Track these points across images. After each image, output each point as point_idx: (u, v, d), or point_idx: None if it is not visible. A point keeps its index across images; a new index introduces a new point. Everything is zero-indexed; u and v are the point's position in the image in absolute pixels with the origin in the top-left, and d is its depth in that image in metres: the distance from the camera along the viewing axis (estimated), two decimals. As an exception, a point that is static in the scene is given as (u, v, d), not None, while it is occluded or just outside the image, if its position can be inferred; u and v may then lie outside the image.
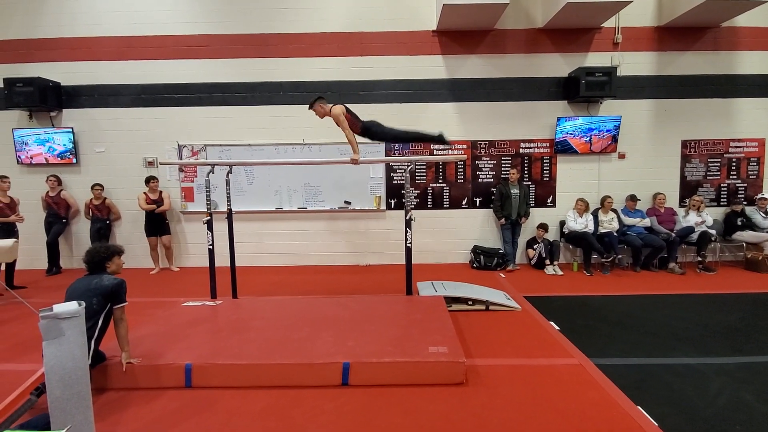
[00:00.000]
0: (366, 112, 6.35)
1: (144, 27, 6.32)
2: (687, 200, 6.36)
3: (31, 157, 6.46)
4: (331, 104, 4.07)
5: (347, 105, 4.10)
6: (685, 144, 6.53)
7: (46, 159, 6.46)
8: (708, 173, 6.58)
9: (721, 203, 6.61)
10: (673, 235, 5.98)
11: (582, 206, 6.15)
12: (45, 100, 6.14)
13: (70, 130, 6.41)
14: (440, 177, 6.61)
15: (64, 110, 6.49)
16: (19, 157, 6.45)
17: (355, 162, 4.05)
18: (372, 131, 4.11)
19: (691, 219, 6.08)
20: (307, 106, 4.09)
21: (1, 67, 6.32)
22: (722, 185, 6.60)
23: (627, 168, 6.54)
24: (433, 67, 6.39)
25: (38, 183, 6.37)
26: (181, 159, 6.48)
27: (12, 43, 6.38)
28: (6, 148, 6.45)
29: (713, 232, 6.03)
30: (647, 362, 3.17)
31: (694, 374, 2.96)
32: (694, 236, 5.97)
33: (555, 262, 6.07)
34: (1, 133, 6.44)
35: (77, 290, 2.66)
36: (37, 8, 6.33)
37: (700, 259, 5.95)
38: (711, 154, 6.55)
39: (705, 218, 6.07)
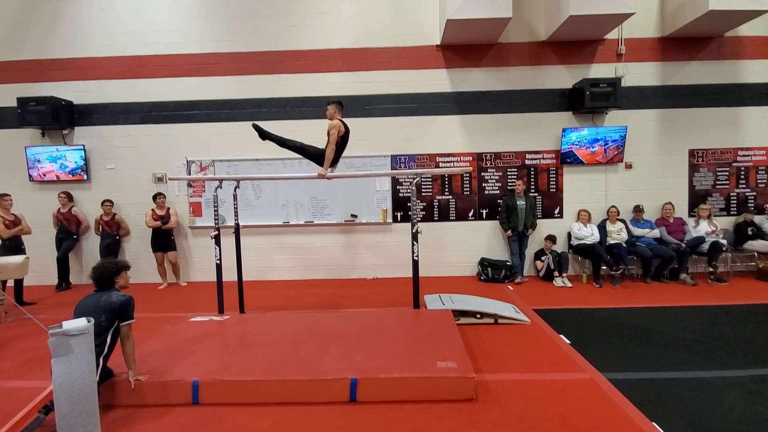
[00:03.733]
0: (372, 125, 6.51)
1: (155, 46, 6.48)
2: (696, 210, 6.30)
3: (43, 175, 6.58)
4: (340, 117, 4.12)
5: (349, 128, 4.17)
6: (692, 153, 6.49)
7: (57, 176, 6.57)
8: (717, 182, 6.53)
9: (731, 212, 6.53)
10: (684, 245, 5.91)
11: (585, 216, 6.13)
12: (57, 119, 6.28)
13: (82, 147, 6.53)
14: (446, 189, 6.61)
15: (76, 128, 6.63)
16: (31, 174, 6.58)
17: (321, 176, 4.11)
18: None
19: (702, 229, 6.01)
20: (326, 102, 4.22)
21: (15, 86, 6.49)
22: (731, 194, 6.53)
23: (634, 178, 6.50)
24: (437, 80, 6.46)
25: (50, 200, 6.48)
26: (189, 174, 6.57)
27: (26, 63, 6.56)
28: (19, 166, 6.58)
29: (724, 241, 5.95)
30: (660, 376, 3.11)
31: (709, 388, 2.90)
32: (705, 246, 5.90)
33: (564, 274, 6.01)
34: (14, 151, 6.58)
35: (86, 307, 2.68)
36: (51, 29, 6.52)
37: (711, 269, 5.86)
38: (719, 163, 6.50)
39: (716, 228, 5.98)
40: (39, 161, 6.56)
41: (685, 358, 3.41)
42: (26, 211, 5.89)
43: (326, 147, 4.03)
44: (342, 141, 4.11)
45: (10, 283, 5.34)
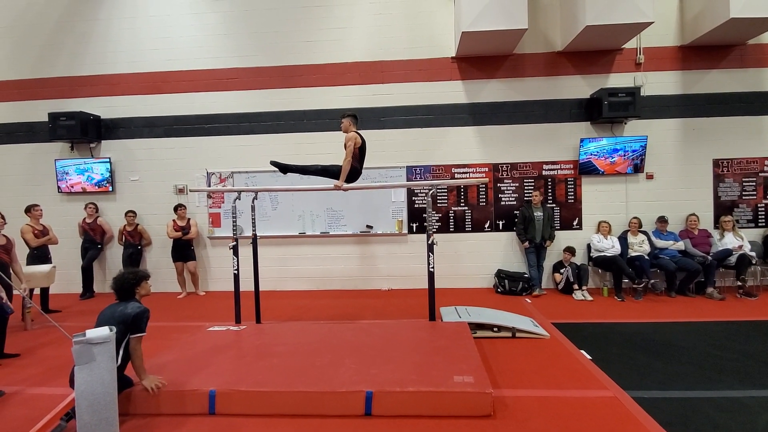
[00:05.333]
0: (387, 137, 6.55)
1: (178, 63, 6.71)
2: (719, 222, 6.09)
3: (71, 186, 6.83)
4: (355, 129, 4.17)
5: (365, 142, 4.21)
6: (716, 163, 6.31)
7: (84, 188, 6.81)
8: (743, 193, 6.32)
9: (759, 224, 6.29)
10: (710, 258, 5.70)
11: (606, 228, 6.00)
12: (86, 133, 6.54)
13: (108, 160, 6.77)
14: (462, 200, 6.58)
15: (102, 141, 6.89)
16: (59, 186, 6.83)
17: (338, 187, 4.14)
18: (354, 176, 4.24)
19: (728, 241, 5.80)
20: (340, 115, 4.30)
21: (47, 102, 6.81)
22: (759, 205, 6.30)
23: (656, 189, 6.35)
24: (452, 92, 6.48)
25: (76, 211, 6.72)
26: (209, 186, 6.72)
27: (58, 80, 6.88)
28: (48, 178, 6.86)
29: (753, 254, 5.72)
30: (688, 395, 2.98)
31: (740, 408, 2.77)
32: (733, 259, 5.68)
33: (583, 287, 5.86)
34: (45, 163, 6.87)
35: (105, 317, 2.74)
36: (81, 48, 6.84)
37: (740, 283, 5.63)
38: (745, 173, 6.30)
39: (742, 241, 5.76)
40: (67, 173, 6.82)
41: (714, 377, 3.27)
42: (54, 222, 6.10)
43: (344, 159, 4.07)
44: (360, 153, 4.15)
45: (36, 291, 5.51)
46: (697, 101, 6.28)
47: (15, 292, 4.40)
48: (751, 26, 5.59)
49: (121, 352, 2.70)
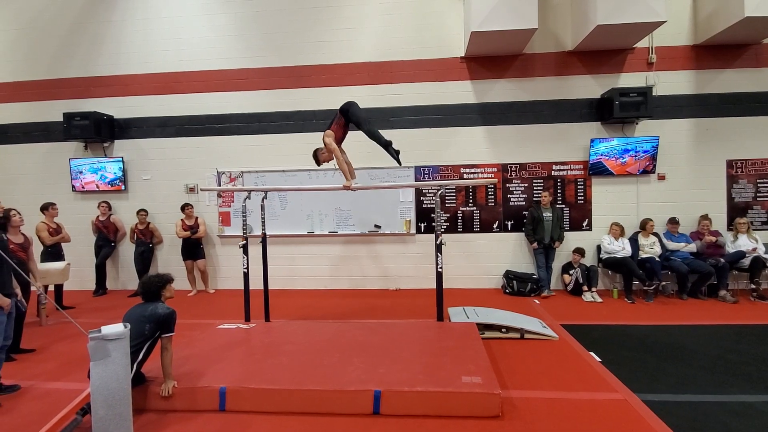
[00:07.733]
0: (396, 136, 6.45)
1: (190, 63, 6.79)
2: (734, 224, 5.99)
3: (85, 185, 6.95)
4: (321, 149, 4.12)
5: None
6: (730, 164, 6.22)
7: (97, 186, 6.93)
8: (758, 194, 6.21)
9: (775, 226, 6.19)
10: (722, 260, 5.62)
11: (617, 230, 5.93)
12: (99, 132, 6.66)
13: (121, 159, 6.88)
14: (470, 200, 6.56)
15: (116, 141, 7.00)
16: (74, 184, 6.96)
17: (347, 188, 4.11)
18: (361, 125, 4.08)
19: (742, 243, 5.71)
20: (316, 164, 4.21)
21: (62, 102, 6.93)
22: (774, 207, 6.20)
23: (668, 190, 6.27)
24: (461, 92, 6.47)
25: (90, 209, 6.83)
26: (219, 185, 6.79)
27: (72, 81, 7.00)
28: (63, 177, 6.98)
29: (767, 257, 5.63)
30: (700, 399, 2.94)
31: (753, 413, 2.73)
32: (746, 262, 5.59)
33: (593, 289, 5.81)
34: (60, 162, 6.99)
35: (133, 315, 2.83)
36: (95, 49, 6.95)
37: (753, 286, 5.54)
38: (760, 174, 6.20)
39: (757, 243, 5.66)
40: (81, 172, 6.94)
41: (728, 381, 3.22)
42: (67, 220, 6.21)
43: (336, 163, 4.04)
44: (342, 129, 4.07)
45: (51, 288, 5.62)
46: (711, 101, 6.19)
47: (32, 288, 4.50)
48: (766, 25, 5.49)
49: (144, 348, 2.78)
